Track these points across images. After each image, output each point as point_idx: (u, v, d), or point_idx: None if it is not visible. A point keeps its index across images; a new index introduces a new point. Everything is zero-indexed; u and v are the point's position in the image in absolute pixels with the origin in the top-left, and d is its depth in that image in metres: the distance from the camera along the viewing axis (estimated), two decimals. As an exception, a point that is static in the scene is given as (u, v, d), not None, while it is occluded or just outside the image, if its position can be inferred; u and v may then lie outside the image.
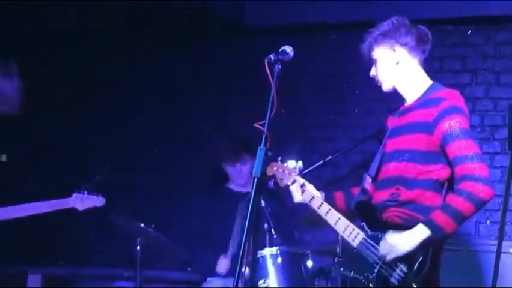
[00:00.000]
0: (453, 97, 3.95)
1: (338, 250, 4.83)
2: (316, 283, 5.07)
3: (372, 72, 4.18)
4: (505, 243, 3.85)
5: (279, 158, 4.54)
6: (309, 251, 5.10)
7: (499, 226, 4.20)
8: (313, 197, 4.28)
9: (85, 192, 5.05)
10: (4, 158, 5.31)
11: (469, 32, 6.10)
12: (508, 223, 5.11)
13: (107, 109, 6.76)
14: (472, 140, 3.81)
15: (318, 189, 4.37)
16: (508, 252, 3.90)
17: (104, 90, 6.76)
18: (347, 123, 6.18)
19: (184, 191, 5.62)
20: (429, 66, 5.96)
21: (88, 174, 5.28)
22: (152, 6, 6.19)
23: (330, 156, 5.43)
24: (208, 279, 5.62)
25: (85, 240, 5.28)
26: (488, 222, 5.92)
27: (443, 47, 6.15)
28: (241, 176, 5.83)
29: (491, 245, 5.55)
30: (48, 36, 6.42)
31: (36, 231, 5.20)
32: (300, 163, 4.55)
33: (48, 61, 6.61)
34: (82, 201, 5.04)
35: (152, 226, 5.39)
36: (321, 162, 5.35)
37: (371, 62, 4.16)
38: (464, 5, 5.91)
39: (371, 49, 4.12)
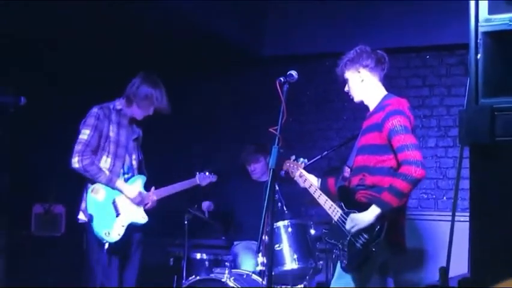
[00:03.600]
0: (397, 103, 3.97)
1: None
2: (317, 246, 5.09)
3: (346, 88, 4.19)
4: (457, 214, 3.82)
5: (293, 156, 4.57)
6: (311, 223, 5.10)
7: (452, 201, 4.18)
8: (311, 185, 4.32)
9: (205, 172, 5.17)
10: None
11: (428, 56, 6.09)
12: (460, 199, 5.08)
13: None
14: (410, 134, 3.81)
15: (318, 177, 4.39)
16: (460, 221, 3.87)
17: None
18: (338, 127, 6.19)
19: (220, 180, 5.62)
20: (398, 84, 6.08)
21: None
22: (191, 42, 6.13)
23: (326, 152, 5.41)
24: (235, 242, 5.63)
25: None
26: (444, 198, 5.90)
27: (408, 68, 6.15)
28: (255, 172, 5.84)
29: (447, 215, 5.57)
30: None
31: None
32: (305, 160, 4.58)
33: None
34: (204, 179, 5.13)
35: (196, 206, 5.42)
36: (319, 156, 5.34)
37: (344, 81, 4.18)
38: (423, 36, 5.89)
39: (343, 72, 4.13)
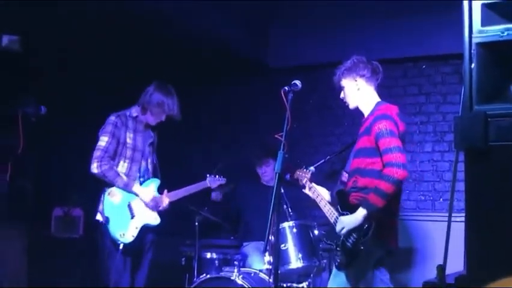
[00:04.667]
0: (385, 108, 4.00)
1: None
2: (320, 245, 5.06)
3: (341, 96, 4.22)
4: (454, 215, 3.81)
5: (304, 166, 4.59)
6: (315, 223, 5.10)
7: (449, 202, 4.17)
8: (318, 195, 4.32)
9: (215, 175, 5.14)
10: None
11: (424, 66, 6.07)
12: (456, 200, 5.07)
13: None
14: (395, 137, 3.82)
15: (321, 180, 4.39)
16: (456, 221, 3.86)
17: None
18: (340, 132, 6.17)
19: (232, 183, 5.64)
20: (396, 92, 6.08)
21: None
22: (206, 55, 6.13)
23: (328, 157, 5.41)
24: (244, 243, 5.62)
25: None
26: (441, 199, 5.88)
27: (406, 77, 6.14)
28: (266, 175, 5.83)
29: (444, 216, 5.55)
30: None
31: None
32: (313, 168, 4.62)
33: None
34: (214, 181, 5.10)
35: (205, 209, 5.42)
36: (322, 161, 5.34)
37: (340, 89, 4.20)
38: (420, 47, 5.90)
39: (339, 80, 4.16)
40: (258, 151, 5.88)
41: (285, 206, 5.13)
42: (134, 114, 4.80)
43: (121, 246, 4.53)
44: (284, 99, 3.69)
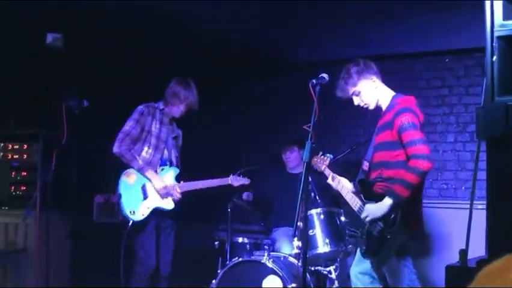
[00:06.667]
0: (404, 101, 3.96)
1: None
2: (347, 232, 5.05)
3: (357, 102, 4.15)
4: (475, 202, 3.80)
5: (320, 153, 4.56)
6: (341, 210, 5.09)
7: (470, 191, 4.14)
8: (334, 179, 4.32)
9: (240, 174, 5.11)
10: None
11: (447, 60, 6.00)
12: (477, 188, 5.01)
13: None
14: (417, 130, 3.80)
15: (346, 170, 4.39)
16: (477, 208, 3.84)
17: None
18: (366, 124, 6.14)
19: (260, 173, 5.66)
20: (419, 85, 6.03)
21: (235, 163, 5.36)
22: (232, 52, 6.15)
23: (354, 147, 5.41)
24: (273, 229, 5.64)
25: (197, 206, 5.34)
26: (463, 188, 5.83)
27: (429, 71, 6.07)
28: (289, 160, 5.83)
29: (466, 204, 5.51)
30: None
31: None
32: (331, 155, 4.60)
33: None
34: (236, 180, 5.07)
35: (237, 195, 5.45)
36: (348, 150, 5.35)
37: (351, 97, 4.13)
38: (443, 41, 5.81)
39: (354, 85, 4.07)
40: (283, 139, 5.88)
41: (312, 194, 5.14)
42: (161, 107, 4.99)
43: (130, 223, 4.69)
44: (312, 91, 3.69)
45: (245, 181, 5.16)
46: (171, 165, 5.02)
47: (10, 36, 5.19)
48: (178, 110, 4.97)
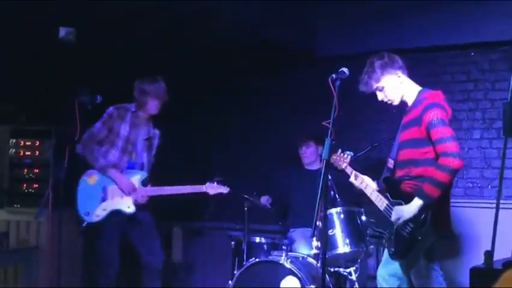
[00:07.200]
0: (432, 96, 3.89)
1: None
2: (368, 232, 5.01)
3: (380, 98, 4.09)
4: (502, 202, 3.73)
5: (339, 150, 4.51)
6: (362, 209, 5.04)
7: (497, 189, 4.07)
8: (357, 178, 4.27)
9: (216, 182, 4.98)
10: None
11: (472, 53, 5.90)
12: (504, 187, 4.95)
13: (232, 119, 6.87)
14: (446, 126, 3.73)
15: (367, 168, 4.33)
16: (504, 208, 3.78)
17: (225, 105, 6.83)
18: (389, 119, 6.05)
19: (277, 171, 5.64)
20: (444, 79, 5.94)
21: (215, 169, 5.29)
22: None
23: (376, 144, 5.35)
24: (291, 229, 5.59)
25: (212, 204, 5.32)
26: (489, 186, 5.73)
27: (454, 65, 5.96)
28: (305, 156, 5.76)
29: (492, 203, 5.43)
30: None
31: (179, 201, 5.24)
32: (351, 153, 4.55)
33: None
34: (213, 188, 4.96)
35: (254, 193, 5.42)
36: (369, 148, 5.29)
37: (374, 91, 4.08)
38: (468, 34, 5.72)
39: (378, 81, 4.01)
40: (300, 133, 5.83)
41: (332, 192, 5.09)
42: (133, 109, 5.00)
43: (83, 224, 4.78)
44: (332, 86, 3.64)
45: (223, 190, 4.98)
46: (140, 168, 5.02)
47: (21, 32, 5.21)
48: (152, 106, 4.98)
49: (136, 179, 4.94)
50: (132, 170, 4.97)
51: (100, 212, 4.81)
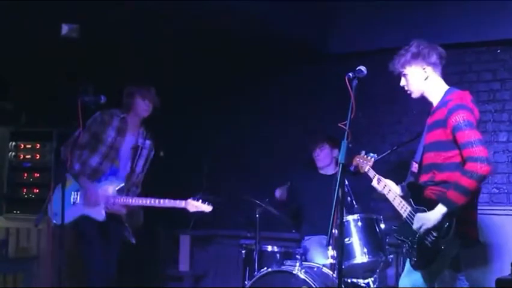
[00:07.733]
0: (458, 97, 3.80)
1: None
2: (387, 240, 4.92)
3: (402, 83, 4.02)
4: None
5: (363, 152, 4.46)
6: (381, 217, 4.95)
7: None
8: (380, 182, 4.20)
9: (199, 199, 4.78)
10: (162, 153, 5.32)
11: (498, 51, 5.76)
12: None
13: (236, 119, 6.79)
14: (474, 129, 3.64)
15: (388, 172, 4.22)
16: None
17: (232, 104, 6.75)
18: (408, 121, 5.94)
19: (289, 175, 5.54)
20: (469, 78, 5.80)
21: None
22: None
23: (395, 147, 5.24)
24: (305, 237, 5.50)
25: (220, 211, 5.23)
26: (517, 194, 5.63)
27: (479, 63, 5.84)
28: (319, 159, 5.64)
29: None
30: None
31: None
32: (375, 155, 4.48)
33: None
34: (193, 206, 4.77)
35: (267, 200, 5.32)
36: (388, 151, 5.17)
37: (400, 75, 4.01)
38: (494, 30, 5.59)
39: (403, 66, 3.96)
40: (314, 135, 5.75)
41: (349, 198, 5.00)
42: (121, 115, 4.98)
43: (52, 223, 4.86)
44: (348, 86, 3.55)
45: (205, 208, 4.78)
46: (123, 176, 4.96)
47: (21, 31, 5.18)
48: (141, 107, 4.96)
49: (111, 186, 4.89)
50: (113, 177, 4.93)
51: (68, 216, 4.70)
